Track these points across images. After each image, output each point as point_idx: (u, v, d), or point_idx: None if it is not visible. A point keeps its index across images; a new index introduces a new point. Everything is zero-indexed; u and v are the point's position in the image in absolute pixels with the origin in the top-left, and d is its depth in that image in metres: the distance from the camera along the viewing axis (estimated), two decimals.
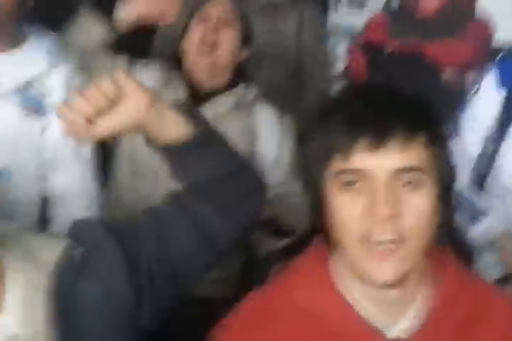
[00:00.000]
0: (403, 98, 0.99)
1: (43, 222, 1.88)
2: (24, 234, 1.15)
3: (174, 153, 1.10)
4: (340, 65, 2.98)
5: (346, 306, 1.02)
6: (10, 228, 1.12)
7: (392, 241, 0.94)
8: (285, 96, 2.39)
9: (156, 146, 1.10)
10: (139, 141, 1.17)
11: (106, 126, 1.01)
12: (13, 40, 1.79)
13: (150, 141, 1.10)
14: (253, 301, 1.09)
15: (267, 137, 1.95)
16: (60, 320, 1.03)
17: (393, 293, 1.00)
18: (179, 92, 1.92)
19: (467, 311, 1.04)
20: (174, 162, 1.12)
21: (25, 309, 1.03)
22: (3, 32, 1.74)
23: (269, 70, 2.54)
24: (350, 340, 1.01)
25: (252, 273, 2.13)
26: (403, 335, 1.01)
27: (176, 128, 1.08)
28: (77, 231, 1.11)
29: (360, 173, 0.94)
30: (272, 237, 1.92)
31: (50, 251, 1.07)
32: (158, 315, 1.13)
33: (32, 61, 1.79)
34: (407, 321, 1.02)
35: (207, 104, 1.91)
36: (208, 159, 1.11)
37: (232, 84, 1.97)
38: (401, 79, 1.98)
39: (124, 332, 1.09)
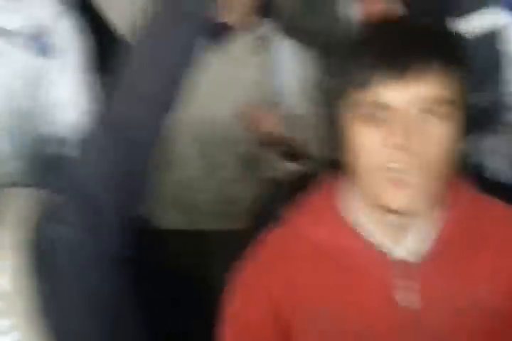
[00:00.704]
0: (418, 26, 0.99)
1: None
2: None
3: None
4: None
5: (355, 234, 1.05)
6: None
7: (408, 170, 0.95)
8: (303, 29, 2.33)
9: None
10: None
11: None
12: None
13: None
14: (266, 242, 1.10)
15: (289, 71, 1.93)
16: (37, 271, 1.03)
17: (403, 217, 1.02)
18: None
19: (480, 236, 1.05)
20: None
21: None
22: None
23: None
24: (359, 265, 1.04)
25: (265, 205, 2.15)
26: (411, 258, 1.04)
27: None
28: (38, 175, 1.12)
29: (378, 105, 0.95)
30: (284, 160, 1.92)
31: (14, 203, 1.06)
32: (123, 241, 1.12)
33: (40, 5, 1.73)
34: (410, 243, 1.04)
35: (228, 44, 1.90)
36: None
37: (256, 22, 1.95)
38: None
39: (101, 270, 1.08)
